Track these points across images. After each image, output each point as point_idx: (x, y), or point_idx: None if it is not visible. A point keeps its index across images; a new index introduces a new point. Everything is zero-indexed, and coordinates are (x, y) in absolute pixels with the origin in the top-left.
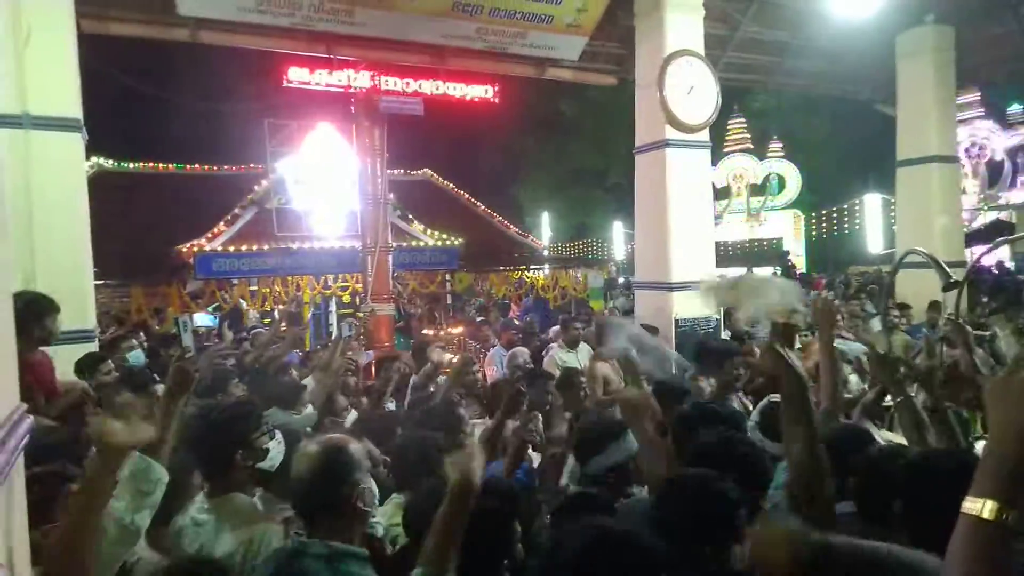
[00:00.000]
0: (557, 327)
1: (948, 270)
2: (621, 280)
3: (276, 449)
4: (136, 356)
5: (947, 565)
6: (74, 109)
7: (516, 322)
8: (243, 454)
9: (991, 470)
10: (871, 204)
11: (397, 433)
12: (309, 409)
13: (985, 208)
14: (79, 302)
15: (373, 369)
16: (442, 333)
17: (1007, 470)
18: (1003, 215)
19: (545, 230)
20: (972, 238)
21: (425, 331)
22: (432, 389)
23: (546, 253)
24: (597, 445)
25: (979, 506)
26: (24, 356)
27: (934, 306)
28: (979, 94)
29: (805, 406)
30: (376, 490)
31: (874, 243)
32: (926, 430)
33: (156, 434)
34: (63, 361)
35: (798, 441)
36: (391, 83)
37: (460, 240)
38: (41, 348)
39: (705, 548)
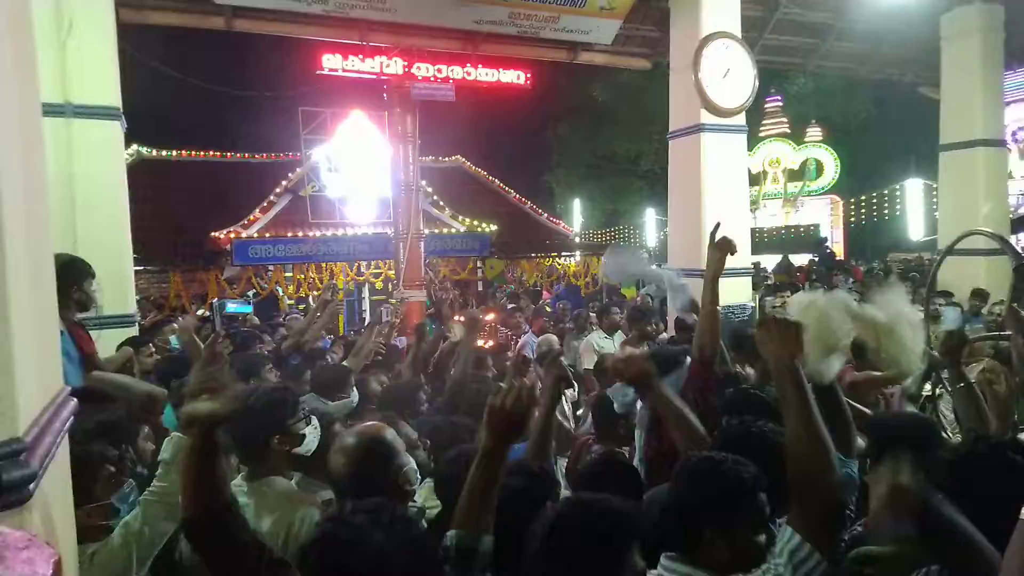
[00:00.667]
0: (577, 314)
1: (1019, 250)
2: (653, 267)
3: (312, 435)
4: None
5: (1004, 571)
6: (114, 98)
7: (548, 309)
8: (280, 439)
9: None
10: (912, 190)
11: (421, 400)
12: (354, 395)
13: None
14: (120, 287)
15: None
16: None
17: None
18: None
19: (577, 217)
20: (1019, 224)
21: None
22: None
23: (578, 240)
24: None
25: None
26: (64, 316)
27: (977, 293)
28: None
29: (794, 384)
30: (416, 468)
31: (915, 230)
32: (986, 416)
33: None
34: (106, 345)
35: (790, 422)
36: (423, 69)
37: (492, 227)
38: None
39: (718, 532)
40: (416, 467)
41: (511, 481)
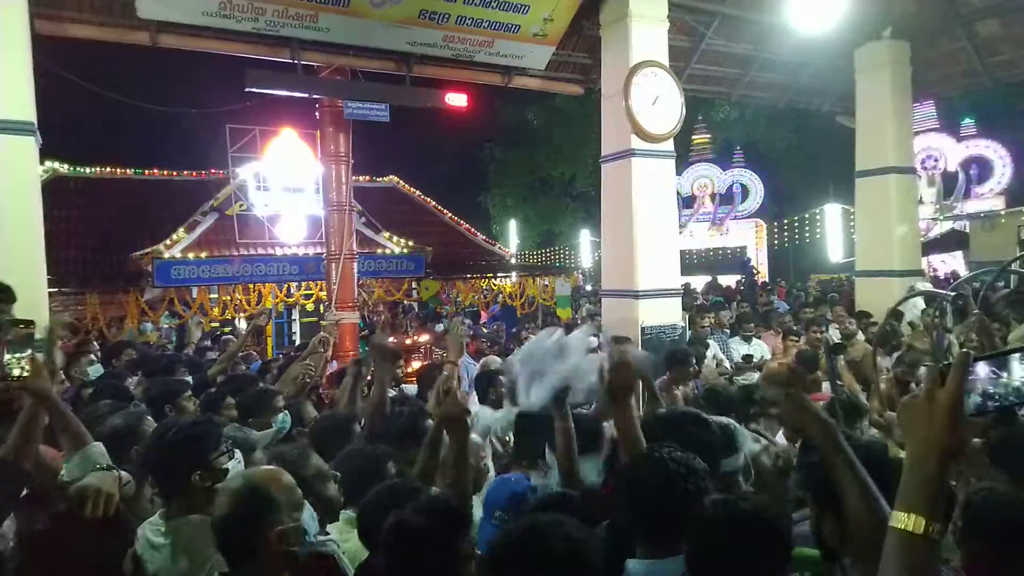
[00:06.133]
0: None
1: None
2: (588, 288)
3: (235, 469)
4: (96, 370)
5: None
6: (27, 112)
7: (485, 330)
8: (201, 475)
9: (916, 486)
10: (831, 214)
11: (355, 432)
12: (280, 417)
13: (941, 218)
14: (32, 311)
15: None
16: (408, 341)
17: (931, 486)
18: (957, 225)
19: (512, 238)
20: (929, 247)
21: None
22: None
23: (513, 261)
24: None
25: (910, 521)
26: None
27: (893, 313)
28: (934, 107)
29: (841, 452)
30: (311, 527)
31: (834, 252)
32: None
33: None
34: None
35: (851, 491)
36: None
37: (427, 247)
38: None
39: None
40: (308, 528)
41: (416, 519)
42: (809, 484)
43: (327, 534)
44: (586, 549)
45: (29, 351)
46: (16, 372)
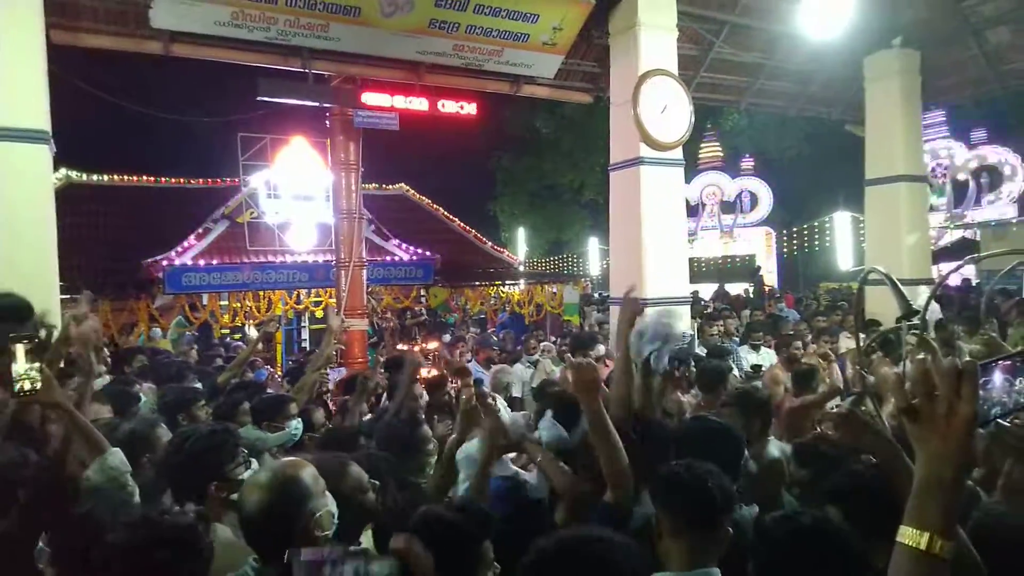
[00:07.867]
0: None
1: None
2: (596, 296)
3: None
4: (102, 383)
5: None
6: (42, 120)
7: (494, 337)
8: (218, 486)
9: (929, 501)
10: (841, 222)
11: (360, 445)
12: (294, 423)
13: (951, 227)
14: (45, 318)
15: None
16: (417, 348)
17: (946, 501)
18: (968, 233)
19: (521, 246)
20: (939, 256)
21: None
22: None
23: (521, 268)
24: None
25: (922, 539)
26: None
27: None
28: (944, 115)
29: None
30: (335, 510)
31: (844, 260)
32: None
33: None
34: None
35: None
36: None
37: (436, 255)
38: None
39: None
40: (333, 511)
41: (448, 514)
42: (858, 512)
43: (359, 544)
44: (638, 563)
45: (38, 364)
46: (28, 386)
